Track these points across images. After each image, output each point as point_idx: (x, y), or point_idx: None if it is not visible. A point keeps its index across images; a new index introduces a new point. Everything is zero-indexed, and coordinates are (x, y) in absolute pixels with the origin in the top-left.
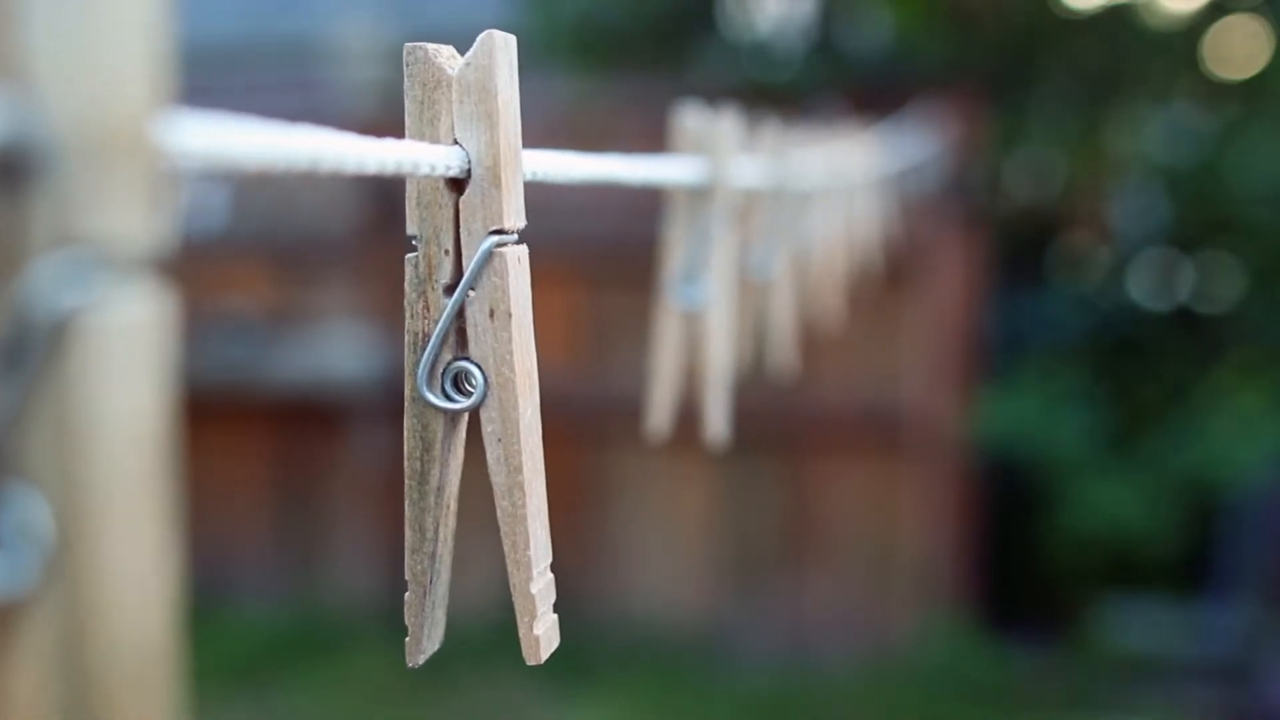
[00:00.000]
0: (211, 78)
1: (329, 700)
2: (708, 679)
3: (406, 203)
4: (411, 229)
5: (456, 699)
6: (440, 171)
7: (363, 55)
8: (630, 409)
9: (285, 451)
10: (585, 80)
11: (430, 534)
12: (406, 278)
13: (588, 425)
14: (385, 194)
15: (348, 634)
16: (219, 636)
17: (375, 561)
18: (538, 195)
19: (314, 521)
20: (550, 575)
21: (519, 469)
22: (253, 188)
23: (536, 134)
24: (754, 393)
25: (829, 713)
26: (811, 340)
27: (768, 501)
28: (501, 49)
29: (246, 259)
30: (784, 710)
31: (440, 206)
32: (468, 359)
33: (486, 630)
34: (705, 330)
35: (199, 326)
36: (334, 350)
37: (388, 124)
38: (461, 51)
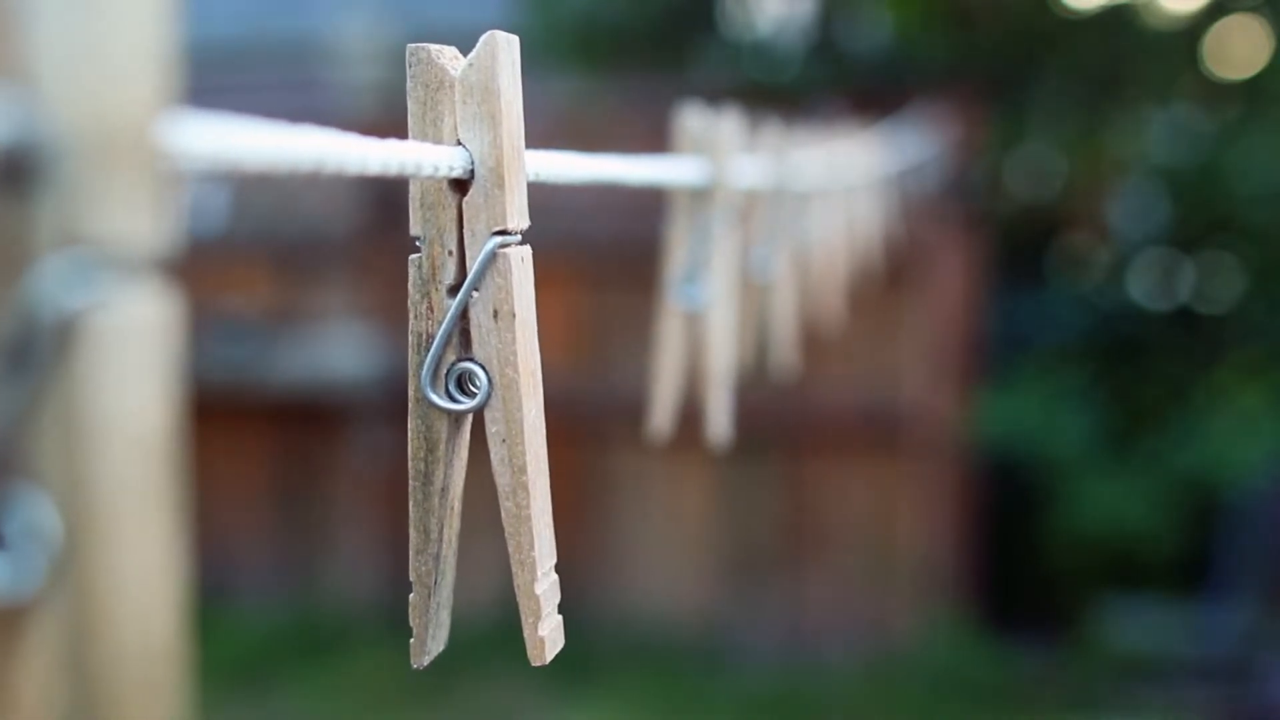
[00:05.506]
0: (211, 78)
1: (329, 700)
2: (708, 679)
3: (410, 204)
4: (415, 230)
5: (457, 699)
6: (443, 172)
7: (363, 55)
8: (631, 409)
9: (285, 452)
10: (585, 80)
11: (434, 535)
12: (410, 279)
13: (588, 425)
14: (385, 194)
15: (348, 634)
16: (219, 636)
17: (375, 561)
18: (538, 195)
19: (314, 521)
20: (555, 576)
21: (523, 470)
22: (253, 188)
23: (536, 134)
24: (754, 393)
25: (829, 713)
26: (812, 340)
27: (768, 501)
28: (504, 50)
29: (246, 259)
30: (784, 710)
31: (443, 207)
32: (472, 360)
33: (487, 630)
34: (707, 330)
35: (199, 326)
36: (334, 350)
37: (388, 124)
38: (464, 52)
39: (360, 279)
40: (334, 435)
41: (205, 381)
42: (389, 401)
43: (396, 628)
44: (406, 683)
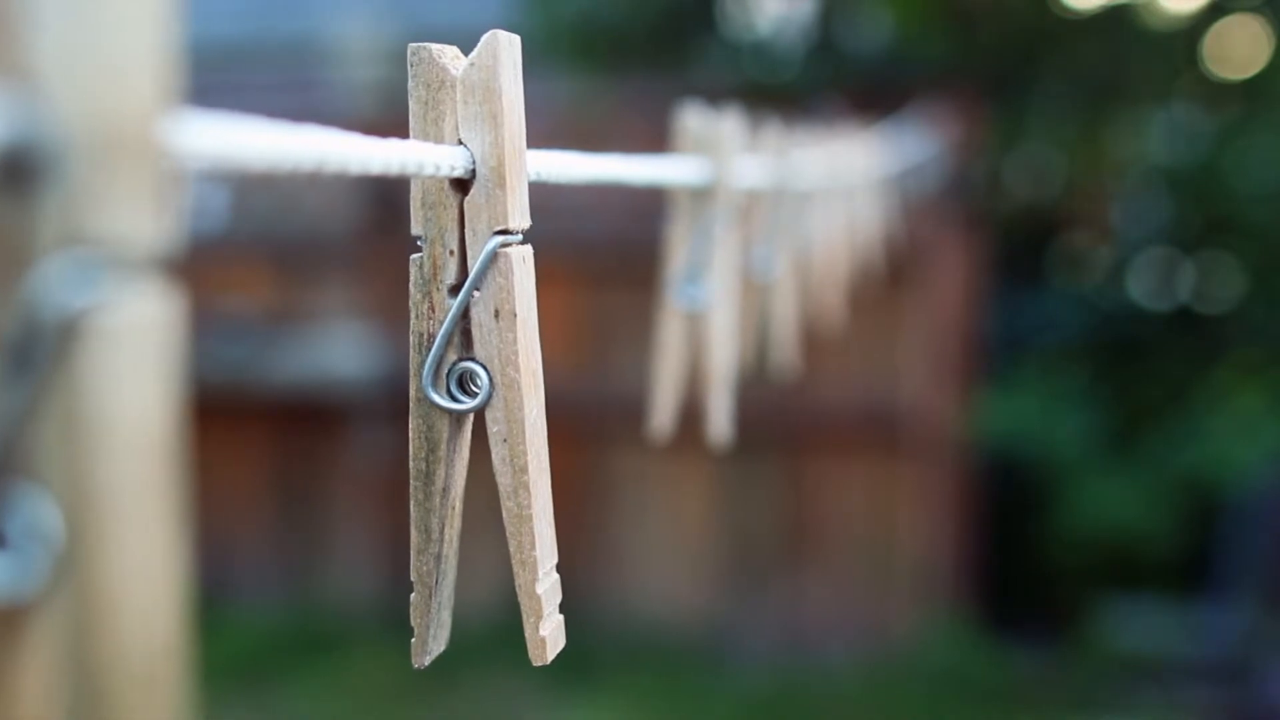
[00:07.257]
0: (211, 78)
1: (328, 701)
2: (708, 679)
3: (411, 203)
4: (416, 229)
5: (457, 699)
6: (445, 172)
7: (363, 55)
8: (631, 409)
9: (285, 451)
10: (585, 80)
11: (436, 535)
12: (411, 278)
13: (588, 425)
14: (385, 194)
15: (348, 634)
16: (219, 636)
17: (375, 561)
18: (539, 195)
19: (314, 521)
20: (556, 575)
21: (524, 469)
22: (253, 188)
23: (537, 134)
24: (754, 393)
25: (829, 713)
26: (812, 340)
27: (768, 501)
28: (506, 49)
29: (246, 259)
30: (784, 710)
31: (445, 207)
32: (473, 359)
33: (487, 630)
34: (707, 330)
35: (199, 326)
36: (334, 350)
37: (388, 124)
38: (465, 52)
39: (360, 279)
40: (334, 435)
41: (205, 381)
42: (389, 401)
43: (396, 627)
44: (406, 683)
